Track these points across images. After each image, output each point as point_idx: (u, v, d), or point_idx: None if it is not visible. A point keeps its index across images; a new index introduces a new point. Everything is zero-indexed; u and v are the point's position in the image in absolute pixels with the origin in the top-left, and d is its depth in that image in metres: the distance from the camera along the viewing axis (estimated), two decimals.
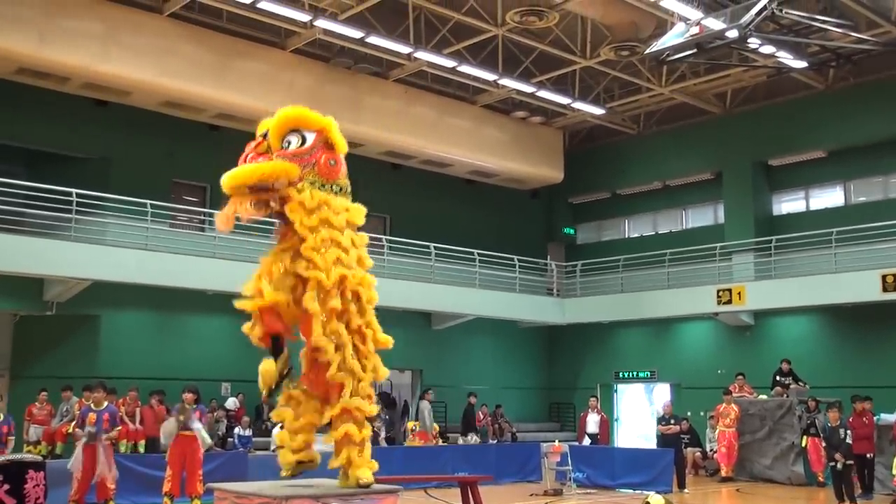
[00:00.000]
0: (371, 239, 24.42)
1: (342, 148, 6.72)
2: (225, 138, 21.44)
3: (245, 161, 6.53)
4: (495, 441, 21.58)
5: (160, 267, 17.52)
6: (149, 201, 18.21)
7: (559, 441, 18.24)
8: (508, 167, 25.42)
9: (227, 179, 6.47)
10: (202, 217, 20.82)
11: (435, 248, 22.69)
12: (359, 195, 26.74)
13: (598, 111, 24.64)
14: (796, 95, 23.48)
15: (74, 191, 17.26)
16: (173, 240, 18.92)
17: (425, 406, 20.44)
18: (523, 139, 25.54)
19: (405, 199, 24.85)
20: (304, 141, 6.61)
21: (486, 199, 26.53)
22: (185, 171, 21.14)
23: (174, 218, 20.42)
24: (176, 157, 20.75)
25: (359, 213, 6.87)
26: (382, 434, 18.71)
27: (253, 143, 6.66)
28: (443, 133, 23.69)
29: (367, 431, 6.70)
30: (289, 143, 6.63)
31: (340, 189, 6.70)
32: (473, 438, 20.45)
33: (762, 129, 23.84)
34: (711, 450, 20.35)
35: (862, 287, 19.65)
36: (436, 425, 20.66)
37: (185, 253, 18.31)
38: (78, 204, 17.31)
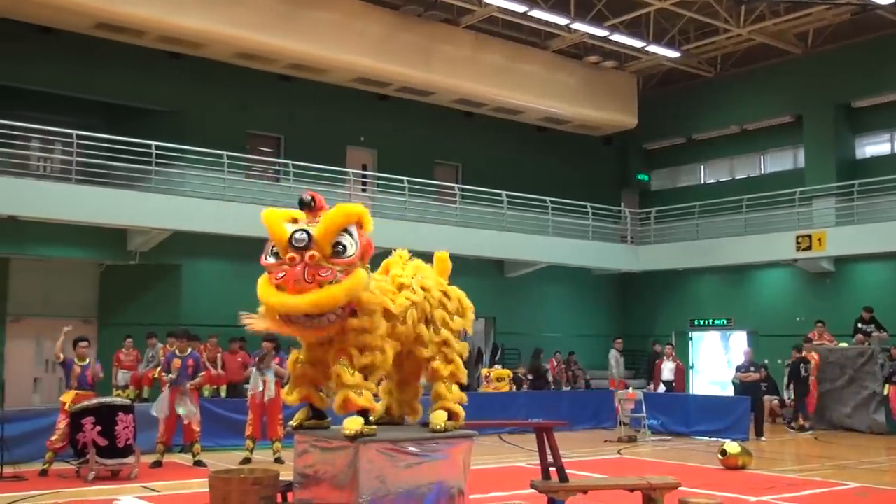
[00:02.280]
0: (443, 187, 24.60)
1: (370, 227, 6.34)
2: (297, 88, 21.64)
3: (303, 280, 5.88)
4: (568, 388, 21.63)
5: (237, 217, 17.85)
6: (225, 152, 18.56)
7: (633, 388, 18.20)
8: (581, 113, 25.09)
9: (308, 308, 5.87)
10: (277, 167, 21.09)
11: (507, 195, 22.62)
12: (430, 144, 26.79)
13: (673, 54, 24.09)
14: (882, 33, 22.53)
15: (153, 143, 17.66)
16: (249, 190, 19.24)
17: (613, 354, 20.57)
18: (596, 84, 25.15)
19: (477, 147, 24.78)
20: (354, 239, 6.12)
21: (559, 146, 26.27)
22: (259, 123, 21.42)
23: (249, 168, 20.74)
24: (250, 109, 21.02)
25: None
26: None
27: (297, 258, 5.92)
28: (514, 79, 23.47)
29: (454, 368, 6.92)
30: (343, 246, 6.06)
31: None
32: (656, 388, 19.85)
33: (845, 70, 23.03)
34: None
35: None
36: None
37: (260, 203, 18.59)
38: (157, 156, 17.73)
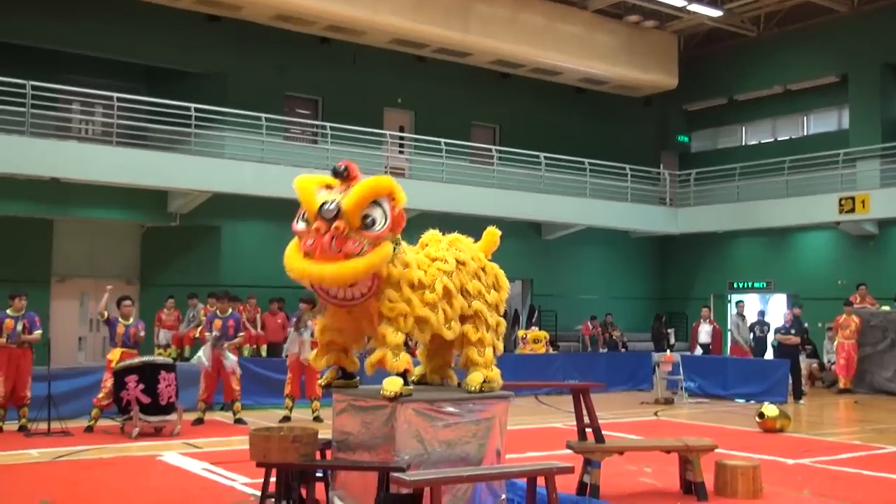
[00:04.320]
0: (480, 149, 24.41)
1: (403, 200, 6.25)
2: (335, 50, 21.61)
3: (329, 250, 5.83)
4: (605, 350, 21.66)
5: (275, 179, 17.95)
6: (263, 115, 18.63)
7: (671, 351, 18.16)
8: (620, 74, 24.79)
9: (330, 279, 5.85)
10: (315, 129, 21.15)
11: (545, 157, 22.50)
12: (467, 105, 26.51)
13: (715, 13, 23.67)
14: None
15: (193, 105, 17.79)
16: (287, 152, 19.33)
17: (735, 319, 19.91)
18: (636, 44, 24.81)
19: (514, 109, 24.62)
20: (384, 212, 6.07)
21: (597, 108, 26.02)
22: (297, 85, 21.46)
23: (287, 131, 20.82)
24: (288, 72, 21.05)
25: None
26: None
27: (324, 227, 5.88)
28: (553, 40, 23.21)
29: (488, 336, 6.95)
30: (372, 220, 6.01)
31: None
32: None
33: (892, 28, 22.47)
34: (829, 361, 19.94)
35: None
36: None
37: (298, 165, 18.68)
38: (196, 118, 17.87)
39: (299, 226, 6.16)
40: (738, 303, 20.53)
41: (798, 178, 22.69)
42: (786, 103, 25.74)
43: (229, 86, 20.02)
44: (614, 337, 22.35)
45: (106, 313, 12.00)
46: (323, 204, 6.01)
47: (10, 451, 10.04)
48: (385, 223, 6.07)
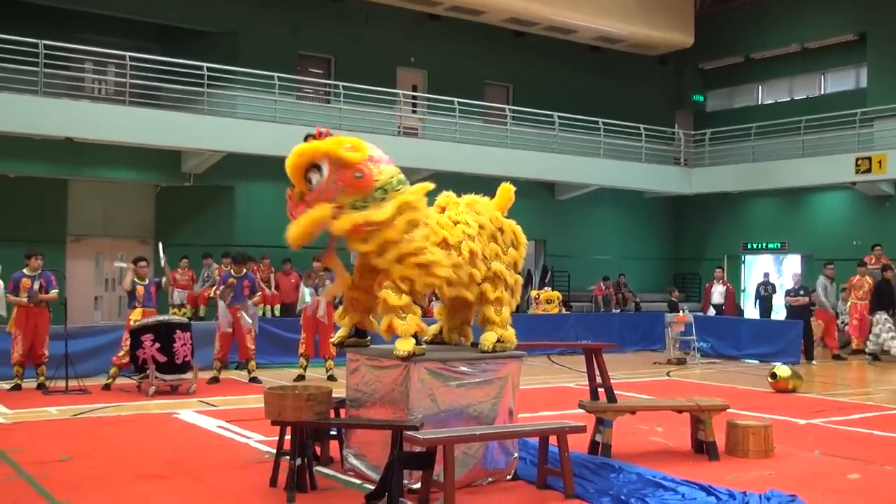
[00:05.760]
0: (493, 109, 24.24)
1: (358, 156, 6.25)
2: (347, 9, 21.43)
3: (293, 214, 6.34)
4: (618, 310, 21.67)
5: (288, 139, 17.78)
6: (276, 74, 18.54)
7: (684, 311, 18.16)
8: (635, 32, 24.50)
9: (290, 240, 6.33)
10: (328, 89, 21.05)
11: (559, 117, 22.35)
12: (481, 64, 26.29)
13: None
14: None
15: (205, 65, 17.72)
16: (300, 112, 19.25)
17: (822, 281, 18.27)
18: (651, 2, 24.49)
19: (528, 68, 24.41)
20: (319, 175, 6.21)
21: (612, 66, 25.76)
22: (309, 44, 21.33)
23: (300, 90, 20.73)
24: (301, 31, 20.91)
25: (417, 195, 6.49)
26: None
27: (287, 191, 6.41)
28: None
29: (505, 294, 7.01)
30: (311, 181, 6.24)
31: (391, 187, 6.33)
32: (883, 318, 16.99)
33: None
34: (843, 322, 19.88)
35: None
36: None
37: (312, 125, 18.56)
38: (209, 78, 17.80)
39: None
40: (825, 264, 18.81)
41: (814, 137, 22.49)
42: (803, 62, 25.44)
43: (241, 45, 19.93)
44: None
45: (129, 287, 12.16)
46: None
47: (30, 409, 10.18)
48: (318, 185, 6.22)
